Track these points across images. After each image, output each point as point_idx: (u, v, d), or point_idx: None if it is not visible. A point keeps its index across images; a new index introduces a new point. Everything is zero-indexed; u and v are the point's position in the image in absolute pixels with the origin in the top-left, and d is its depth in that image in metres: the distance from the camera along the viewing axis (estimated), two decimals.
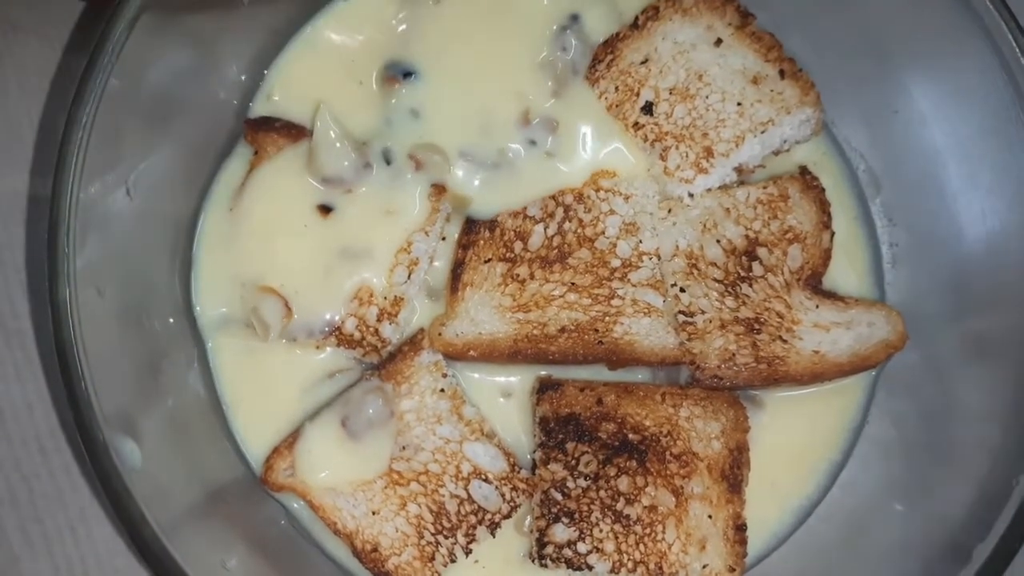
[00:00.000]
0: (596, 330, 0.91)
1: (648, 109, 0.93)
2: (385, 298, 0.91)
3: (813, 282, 0.94)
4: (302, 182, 0.92)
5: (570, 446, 0.89)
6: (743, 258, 0.93)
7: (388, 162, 0.92)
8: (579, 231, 0.93)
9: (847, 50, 0.96)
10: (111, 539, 0.95)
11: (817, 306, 0.93)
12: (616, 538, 0.87)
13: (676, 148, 0.93)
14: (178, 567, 0.77)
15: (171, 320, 0.92)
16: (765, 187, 0.95)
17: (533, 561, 0.88)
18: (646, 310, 0.92)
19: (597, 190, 0.94)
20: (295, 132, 0.94)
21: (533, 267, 0.92)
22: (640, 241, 0.93)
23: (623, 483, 0.88)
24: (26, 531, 0.96)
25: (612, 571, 0.87)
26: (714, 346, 0.91)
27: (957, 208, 0.92)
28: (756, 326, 0.91)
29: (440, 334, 0.91)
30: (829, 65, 0.95)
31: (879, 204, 0.99)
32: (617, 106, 0.94)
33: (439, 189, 0.93)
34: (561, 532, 0.87)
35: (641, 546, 0.87)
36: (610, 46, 0.94)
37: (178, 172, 0.92)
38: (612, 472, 0.88)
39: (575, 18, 0.95)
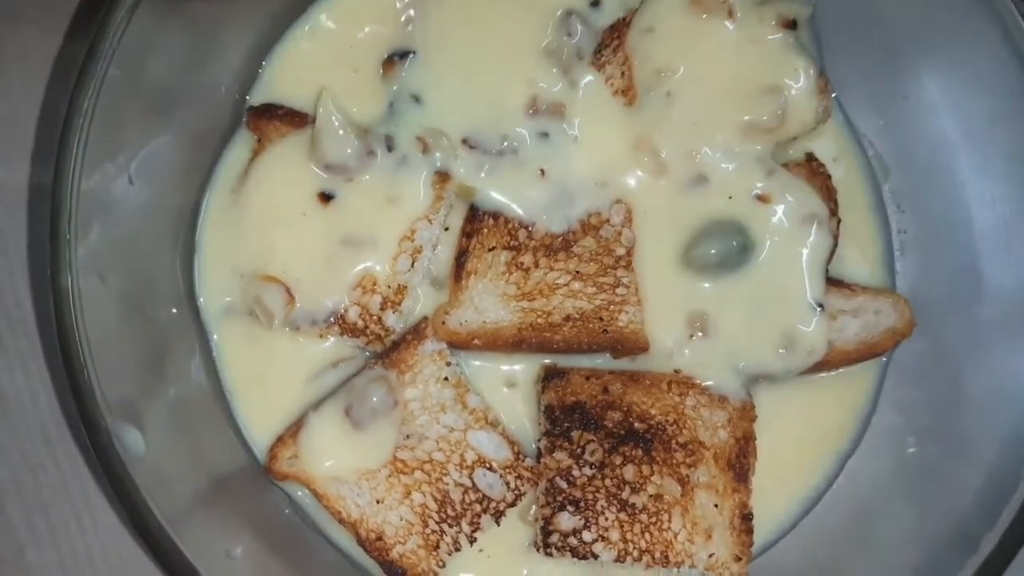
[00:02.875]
0: (601, 319, 0.91)
1: None
2: (388, 286, 0.91)
3: None
4: (305, 169, 0.91)
5: (576, 435, 0.88)
6: None
7: (390, 149, 0.92)
8: (584, 219, 0.92)
9: (857, 36, 0.95)
10: (116, 528, 0.95)
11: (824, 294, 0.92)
12: (622, 527, 0.87)
13: None
14: (182, 556, 0.77)
15: (174, 308, 0.92)
16: None
17: (538, 550, 0.88)
18: None
19: None
20: (298, 119, 0.93)
21: (538, 255, 0.91)
22: None
23: (629, 472, 0.87)
24: (31, 521, 0.96)
25: (617, 560, 0.86)
26: None
27: (967, 195, 0.92)
28: None
29: (444, 323, 0.90)
30: (839, 50, 0.95)
31: (888, 191, 0.99)
32: (623, 92, 0.93)
33: (443, 177, 0.92)
34: (566, 521, 0.87)
35: (647, 535, 0.87)
36: (616, 31, 0.93)
37: (180, 160, 0.92)
38: (618, 461, 0.88)
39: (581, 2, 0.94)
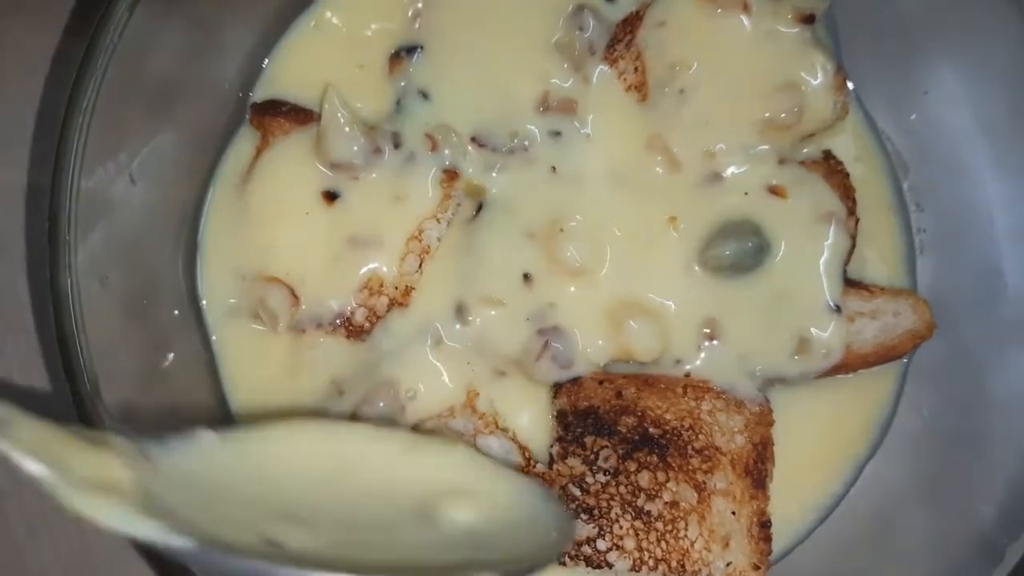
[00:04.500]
0: None
1: None
2: (396, 288, 0.89)
3: None
4: (309, 168, 0.90)
5: (589, 440, 0.87)
6: None
7: (397, 146, 0.90)
8: None
9: (876, 29, 0.93)
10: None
11: (841, 295, 0.90)
12: (637, 535, 0.85)
13: None
14: (183, 564, 0.75)
15: (176, 310, 0.90)
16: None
17: None
18: None
19: None
20: (302, 116, 0.92)
21: None
22: None
23: (644, 478, 0.86)
24: (31, 524, 0.95)
25: (633, 569, 0.85)
26: None
27: (988, 192, 0.90)
28: None
29: None
30: (857, 45, 0.93)
31: (906, 189, 0.97)
32: (637, 87, 0.91)
33: (451, 175, 0.90)
34: (580, 529, 0.85)
35: (663, 543, 0.85)
36: (629, 25, 0.91)
37: (182, 158, 0.90)
38: (632, 467, 0.86)
39: None
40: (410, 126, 0.91)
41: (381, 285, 0.89)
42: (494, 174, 0.90)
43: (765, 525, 0.86)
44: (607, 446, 0.86)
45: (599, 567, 0.85)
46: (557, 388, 0.89)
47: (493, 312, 0.88)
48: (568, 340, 0.88)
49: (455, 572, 0.67)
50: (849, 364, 0.90)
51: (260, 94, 0.94)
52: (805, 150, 0.94)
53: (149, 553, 0.75)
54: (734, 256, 0.89)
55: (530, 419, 0.90)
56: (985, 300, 0.91)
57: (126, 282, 0.83)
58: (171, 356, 0.88)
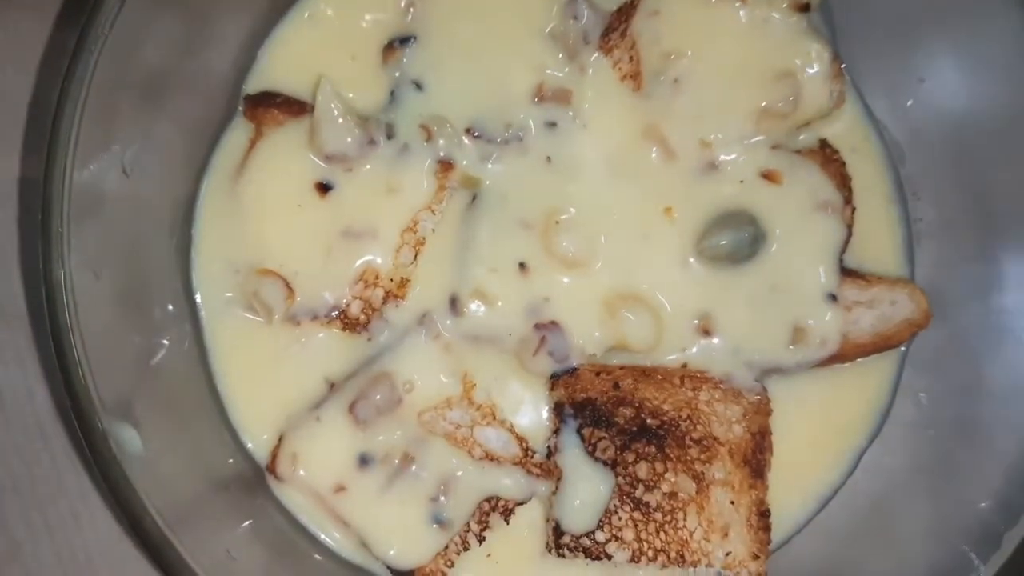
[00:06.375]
0: None
1: None
2: (391, 280, 0.89)
3: None
4: (303, 159, 0.89)
5: (586, 432, 0.86)
6: None
7: (391, 137, 0.90)
8: None
9: (871, 17, 0.93)
10: (114, 524, 0.95)
11: (838, 285, 0.90)
12: (636, 526, 0.85)
13: None
14: (180, 557, 0.75)
15: (170, 302, 0.90)
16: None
17: (550, 551, 0.86)
18: None
19: None
20: (296, 107, 0.91)
21: None
22: None
23: (642, 469, 0.86)
24: (28, 517, 0.95)
25: (632, 560, 0.85)
26: None
27: (983, 181, 0.90)
28: None
29: None
30: (853, 33, 0.92)
31: (903, 178, 0.96)
32: (632, 77, 0.91)
33: (446, 166, 0.90)
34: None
35: (662, 534, 0.85)
36: (624, 14, 0.91)
37: (176, 150, 0.90)
38: (630, 458, 0.86)
39: None
40: (404, 117, 0.90)
41: (376, 277, 0.89)
42: (489, 165, 0.90)
43: (764, 514, 0.86)
44: (605, 438, 0.86)
45: (598, 558, 0.85)
46: (554, 380, 0.88)
47: (488, 304, 0.88)
48: (564, 332, 0.88)
49: None
50: (846, 353, 0.90)
51: (253, 85, 0.94)
52: (801, 138, 0.94)
53: (148, 551, 0.75)
54: (730, 246, 0.88)
55: (528, 410, 0.90)
56: (982, 288, 0.90)
57: (120, 274, 0.83)
58: (165, 348, 0.88)
